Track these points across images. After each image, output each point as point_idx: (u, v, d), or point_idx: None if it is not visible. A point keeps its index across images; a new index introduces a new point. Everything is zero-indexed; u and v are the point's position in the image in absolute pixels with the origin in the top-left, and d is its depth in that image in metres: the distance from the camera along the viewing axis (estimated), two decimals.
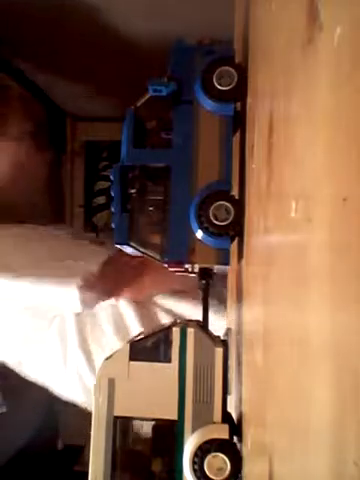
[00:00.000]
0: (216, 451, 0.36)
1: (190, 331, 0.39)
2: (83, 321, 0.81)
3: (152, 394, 0.39)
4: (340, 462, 0.16)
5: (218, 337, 0.43)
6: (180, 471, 0.37)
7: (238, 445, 0.38)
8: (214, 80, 0.40)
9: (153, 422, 0.39)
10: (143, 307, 0.81)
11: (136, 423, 0.39)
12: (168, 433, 0.38)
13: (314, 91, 0.20)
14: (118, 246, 0.44)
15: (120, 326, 0.80)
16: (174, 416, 0.38)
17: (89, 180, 1.84)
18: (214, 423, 0.38)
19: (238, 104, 0.45)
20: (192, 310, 0.76)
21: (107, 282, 0.79)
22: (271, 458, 0.27)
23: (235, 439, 0.38)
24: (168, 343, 0.39)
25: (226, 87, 0.40)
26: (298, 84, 0.23)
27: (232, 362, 0.44)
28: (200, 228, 0.40)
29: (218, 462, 0.36)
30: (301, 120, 0.22)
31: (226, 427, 0.37)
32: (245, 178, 0.43)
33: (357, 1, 0.16)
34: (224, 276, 0.62)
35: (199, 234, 0.40)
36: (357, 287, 0.15)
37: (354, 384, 0.15)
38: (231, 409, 0.42)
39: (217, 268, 0.44)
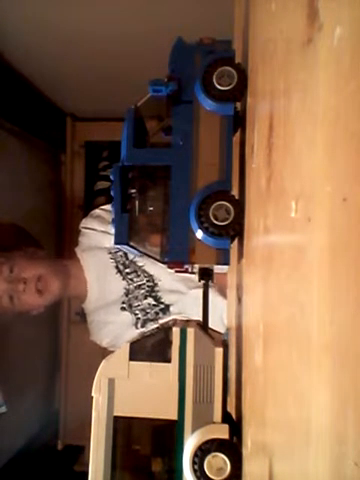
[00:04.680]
0: (216, 451, 0.36)
1: (190, 331, 0.39)
2: None
3: (152, 394, 0.39)
4: (340, 462, 0.16)
5: (218, 336, 0.43)
6: (180, 471, 0.37)
7: (238, 445, 0.38)
8: (214, 80, 0.40)
9: (153, 422, 0.39)
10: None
11: (136, 423, 0.39)
12: (168, 433, 0.38)
13: (314, 91, 0.20)
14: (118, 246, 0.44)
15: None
16: (174, 416, 0.38)
17: (89, 180, 1.84)
18: (214, 423, 0.38)
19: (238, 104, 0.45)
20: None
21: None
22: (271, 458, 0.27)
23: (235, 439, 0.38)
24: (168, 343, 0.39)
25: (226, 87, 0.40)
26: (298, 84, 0.23)
27: (232, 362, 0.44)
28: (200, 228, 0.40)
29: (218, 462, 0.36)
30: (301, 120, 0.22)
31: (226, 427, 0.37)
32: (245, 178, 0.43)
33: (357, 1, 0.16)
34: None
35: (199, 234, 0.40)
36: (357, 287, 0.15)
37: (354, 384, 0.15)
38: (231, 409, 0.42)
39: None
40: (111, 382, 0.39)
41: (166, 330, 0.40)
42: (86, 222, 1.15)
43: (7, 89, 1.36)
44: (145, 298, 1.10)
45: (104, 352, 1.09)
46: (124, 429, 0.39)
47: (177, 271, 0.44)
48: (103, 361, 0.40)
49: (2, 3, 1.05)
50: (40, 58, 1.33)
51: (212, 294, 0.92)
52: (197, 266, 0.43)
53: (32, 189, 1.60)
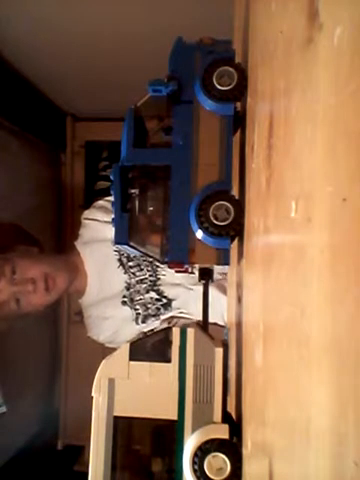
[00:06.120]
0: (216, 451, 0.36)
1: (190, 331, 0.39)
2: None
3: (152, 394, 0.39)
4: (340, 462, 0.16)
5: (218, 336, 0.43)
6: (180, 471, 0.37)
7: (238, 445, 0.38)
8: (214, 80, 0.40)
9: (153, 422, 0.39)
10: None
11: (136, 423, 0.39)
12: (168, 433, 0.38)
13: (314, 91, 0.20)
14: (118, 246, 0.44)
15: None
16: (174, 416, 0.38)
17: (89, 180, 1.84)
18: (214, 423, 0.38)
19: (238, 104, 0.45)
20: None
21: None
22: (271, 458, 0.27)
23: (235, 439, 0.38)
24: (168, 343, 0.39)
25: (226, 87, 0.40)
26: (298, 84, 0.23)
27: (232, 362, 0.44)
28: (200, 228, 0.40)
29: (218, 462, 0.36)
30: (301, 120, 0.22)
31: (226, 427, 0.37)
32: (245, 178, 0.43)
33: (357, 1, 0.16)
34: None
35: (199, 234, 0.40)
36: (357, 287, 0.15)
37: (354, 384, 0.15)
38: (231, 409, 0.42)
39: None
40: (111, 382, 0.39)
41: (166, 330, 0.40)
42: (89, 213, 1.13)
43: (7, 89, 1.36)
44: (147, 292, 1.08)
45: (104, 352, 1.09)
46: (124, 429, 0.39)
47: (177, 271, 0.44)
48: (103, 361, 0.40)
49: (2, 3, 1.05)
50: (40, 58, 1.33)
51: (214, 292, 0.91)
52: (197, 266, 0.43)
53: (32, 189, 1.60)
